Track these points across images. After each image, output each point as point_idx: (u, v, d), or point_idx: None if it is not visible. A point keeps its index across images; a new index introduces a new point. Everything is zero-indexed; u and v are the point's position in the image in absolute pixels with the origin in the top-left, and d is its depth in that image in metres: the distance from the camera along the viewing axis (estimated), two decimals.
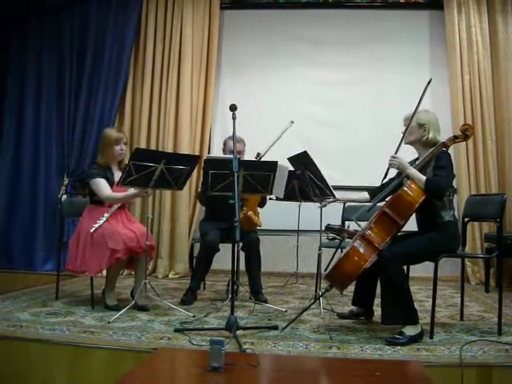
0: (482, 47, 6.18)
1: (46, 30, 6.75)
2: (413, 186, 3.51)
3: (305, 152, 4.23)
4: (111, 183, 4.37)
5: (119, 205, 4.35)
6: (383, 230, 3.54)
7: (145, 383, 2.40)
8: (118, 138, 4.43)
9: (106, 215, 4.24)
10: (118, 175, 4.40)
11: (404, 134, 3.73)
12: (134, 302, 4.21)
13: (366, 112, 6.50)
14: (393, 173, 3.90)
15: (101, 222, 4.20)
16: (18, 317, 3.97)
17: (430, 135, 3.67)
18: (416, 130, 3.70)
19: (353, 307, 4.15)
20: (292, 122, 4.85)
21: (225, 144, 5.11)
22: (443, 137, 3.71)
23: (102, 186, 4.31)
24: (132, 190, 4.24)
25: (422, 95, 3.66)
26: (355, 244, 3.57)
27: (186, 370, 2.72)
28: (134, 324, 3.83)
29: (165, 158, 4.03)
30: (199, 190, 5.10)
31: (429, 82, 3.67)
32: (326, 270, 3.80)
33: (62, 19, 6.70)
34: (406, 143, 3.79)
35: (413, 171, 3.56)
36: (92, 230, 4.17)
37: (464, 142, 5.94)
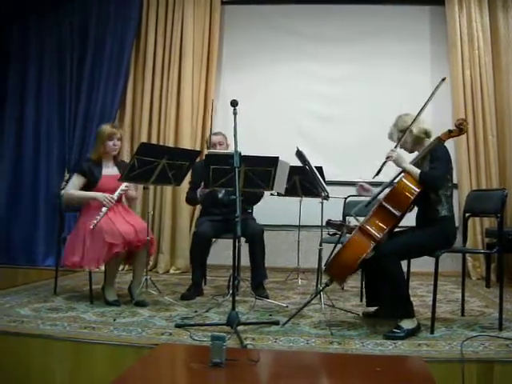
0: (482, 42, 6.16)
1: (46, 27, 6.74)
2: (409, 178, 3.56)
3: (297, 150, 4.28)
4: (95, 179, 4.42)
5: (115, 199, 4.32)
6: (381, 222, 3.58)
7: (146, 379, 2.40)
8: (110, 133, 4.47)
9: (104, 209, 4.23)
10: (113, 170, 4.49)
11: (400, 146, 3.78)
12: (136, 300, 4.23)
13: (366, 107, 6.49)
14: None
15: (99, 217, 4.19)
16: (18, 312, 3.98)
17: (415, 130, 3.70)
18: (407, 138, 3.74)
19: (371, 309, 4.05)
20: None
21: (207, 140, 5.14)
22: (441, 132, 3.71)
23: (71, 182, 4.53)
24: (93, 193, 4.37)
25: (433, 94, 3.74)
26: (354, 235, 3.61)
27: (187, 366, 2.72)
28: (135, 320, 3.84)
29: (168, 154, 4.07)
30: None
31: (443, 80, 3.72)
32: (325, 263, 3.80)
33: (63, 15, 6.69)
34: (410, 152, 3.82)
35: (408, 166, 3.61)
36: (92, 227, 4.18)
37: (465, 137, 6.02)
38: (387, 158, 3.70)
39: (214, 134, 5.07)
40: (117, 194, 4.29)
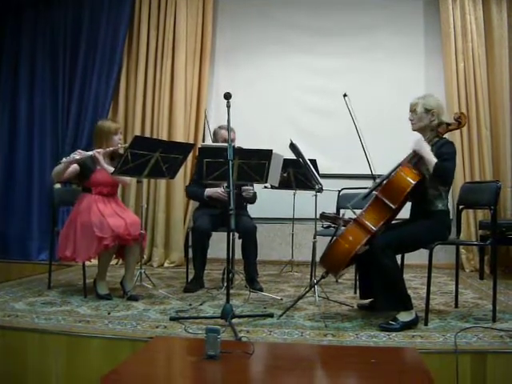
0: (476, 35, 6.15)
1: (39, 19, 6.71)
2: (405, 171, 3.54)
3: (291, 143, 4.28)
4: (89, 171, 4.41)
5: (88, 155, 4.32)
6: (377, 214, 3.57)
7: (141, 372, 2.40)
8: (116, 128, 4.51)
9: (75, 155, 4.28)
10: (107, 164, 4.43)
11: (412, 121, 3.73)
12: (128, 295, 4.24)
13: (361, 100, 6.47)
14: None
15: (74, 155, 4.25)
16: (13, 306, 3.97)
17: (438, 120, 3.67)
18: (424, 116, 3.67)
19: (365, 301, 4.06)
20: None
21: (215, 134, 5.09)
22: None
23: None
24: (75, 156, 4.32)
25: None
26: (349, 228, 3.61)
27: (182, 359, 2.73)
28: (129, 313, 3.84)
29: (161, 147, 4.07)
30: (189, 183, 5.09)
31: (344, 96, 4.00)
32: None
33: (56, 8, 6.66)
34: (414, 130, 3.76)
35: (428, 153, 3.53)
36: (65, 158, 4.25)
37: (458, 130, 6.02)
38: (413, 147, 3.63)
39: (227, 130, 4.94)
40: (90, 152, 4.30)
